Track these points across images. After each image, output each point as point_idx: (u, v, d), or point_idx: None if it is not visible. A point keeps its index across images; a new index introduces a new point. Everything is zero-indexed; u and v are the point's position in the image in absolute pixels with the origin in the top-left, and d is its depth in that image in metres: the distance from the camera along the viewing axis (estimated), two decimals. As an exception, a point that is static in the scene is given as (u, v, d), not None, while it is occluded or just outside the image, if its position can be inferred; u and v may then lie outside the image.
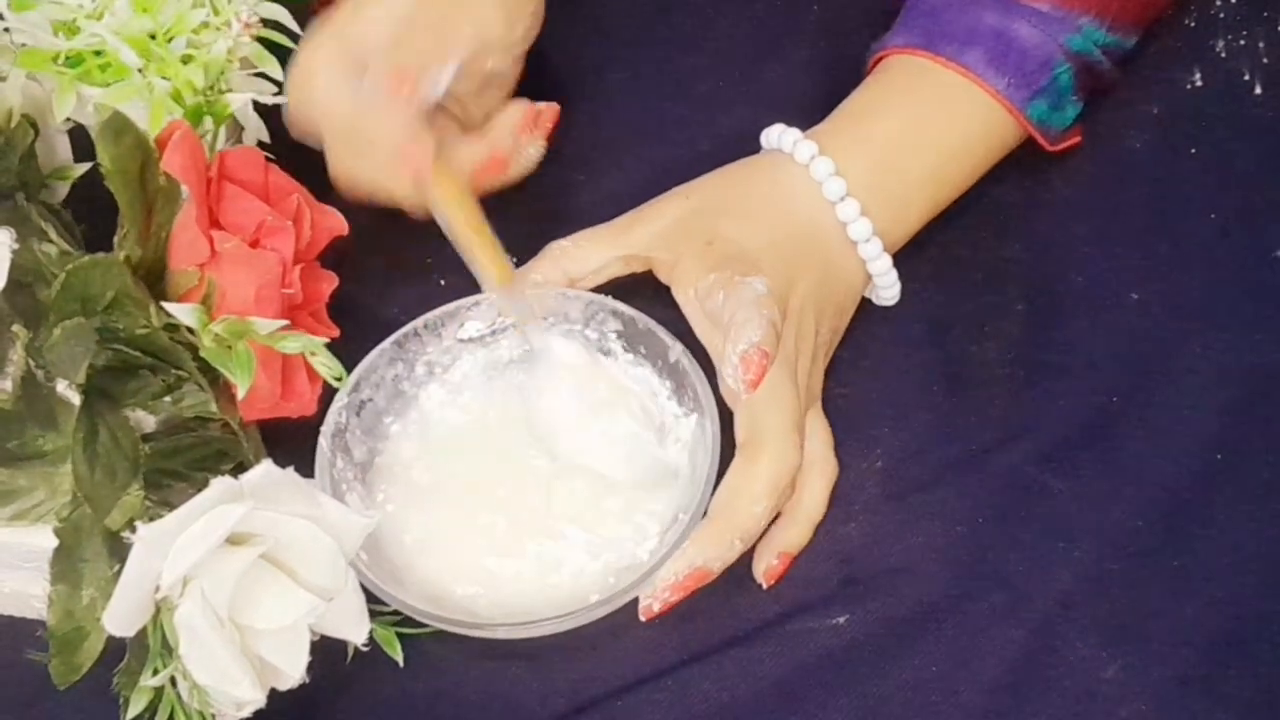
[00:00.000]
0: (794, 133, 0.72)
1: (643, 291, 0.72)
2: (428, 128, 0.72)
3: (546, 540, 0.67)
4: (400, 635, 0.65)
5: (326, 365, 0.64)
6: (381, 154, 0.72)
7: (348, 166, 0.73)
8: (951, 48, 0.73)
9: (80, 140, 0.73)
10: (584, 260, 0.72)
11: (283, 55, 0.74)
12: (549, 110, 0.78)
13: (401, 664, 0.65)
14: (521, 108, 0.78)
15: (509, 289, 0.71)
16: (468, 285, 0.73)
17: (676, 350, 0.70)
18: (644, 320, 0.71)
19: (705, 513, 0.65)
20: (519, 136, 0.77)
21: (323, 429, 0.68)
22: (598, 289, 0.72)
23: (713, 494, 0.66)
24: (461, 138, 0.76)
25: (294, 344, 0.63)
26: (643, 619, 0.64)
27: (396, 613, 0.65)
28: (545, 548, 0.67)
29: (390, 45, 0.72)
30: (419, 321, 0.72)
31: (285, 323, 0.64)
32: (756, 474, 0.65)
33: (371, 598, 0.63)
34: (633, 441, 0.69)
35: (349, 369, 0.68)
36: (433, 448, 0.71)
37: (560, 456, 0.69)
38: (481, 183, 0.75)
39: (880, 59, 0.76)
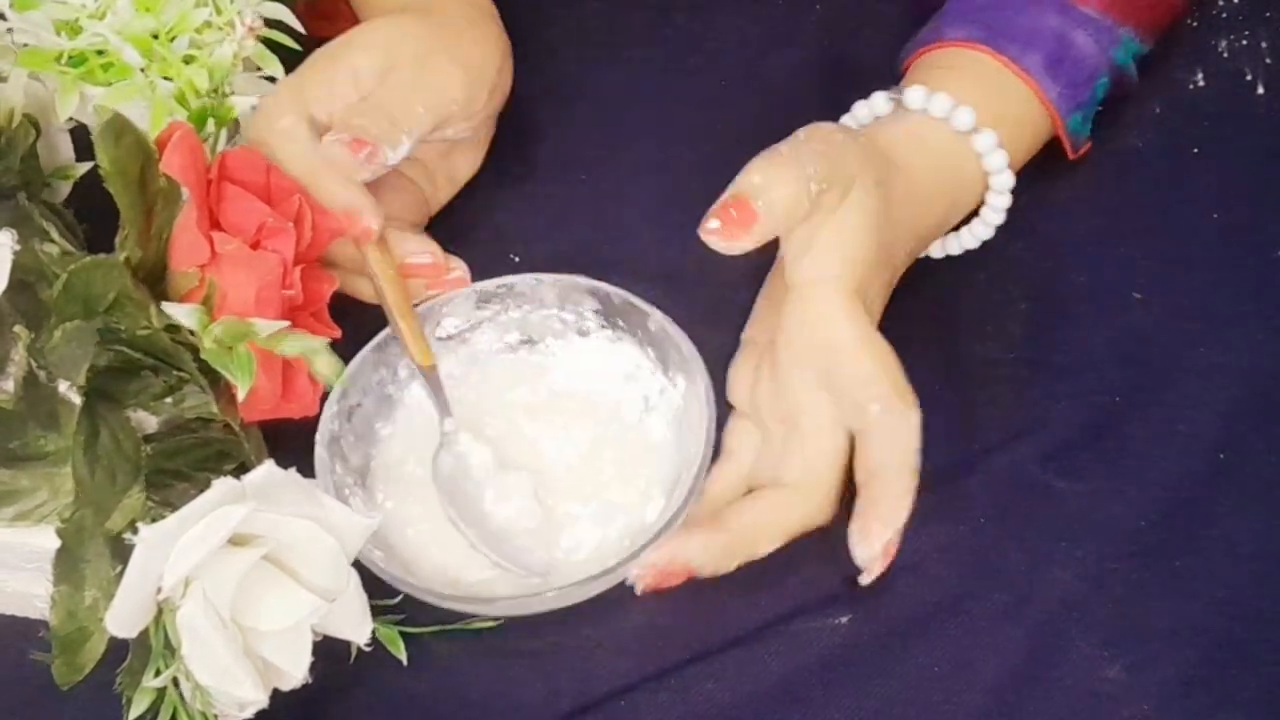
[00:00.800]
0: (946, 99, 0.70)
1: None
2: (376, 201, 0.70)
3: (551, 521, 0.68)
4: (403, 634, 0.64)
5: (327, 368, 0.64)
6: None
7: None
8: (1015, 47, 0.72)
9: (82, 140, 0.73)
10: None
11: (284, 55, 0.74)
12: (457, 279, 0.74)
13: (405, 663, 0.65)
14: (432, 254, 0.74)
15: (428, 370, 0.70)
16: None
17: (656, 318, 0.70)
18: (619, 294, 0.71)
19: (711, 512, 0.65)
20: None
21: (318, 437, 0.68)
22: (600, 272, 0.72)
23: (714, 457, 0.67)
24: (408, 233, 0.74)
25: (294, 346, 0.63)
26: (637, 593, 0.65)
27: (400, 611, 0.65)
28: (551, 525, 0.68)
29: (351, 111, 0.71)
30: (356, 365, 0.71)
31: (286, 324, 0.63)
32: (790, 518, 0.65)
33: (375, 594, 0.63)
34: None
35: (350, 369, 0.68)
36: (420, 444, 0.71)
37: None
38: (410, 277, 0.73)
39: (926, 52, 0.75)
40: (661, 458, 0.69)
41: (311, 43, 0.75)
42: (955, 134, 0.71)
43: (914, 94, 0.71)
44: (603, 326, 0.72)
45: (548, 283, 0.72)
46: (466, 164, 0.78)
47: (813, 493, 0.66)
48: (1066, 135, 0.74)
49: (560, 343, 0.73)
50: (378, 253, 0.71)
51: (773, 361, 0.67)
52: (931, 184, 0.70)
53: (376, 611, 0.63)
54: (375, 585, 0.64)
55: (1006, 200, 0.72)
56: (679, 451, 0.69)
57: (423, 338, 0.70)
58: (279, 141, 0.70)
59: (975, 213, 0.73)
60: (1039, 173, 0.77)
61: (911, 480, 0.65)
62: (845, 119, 0.74)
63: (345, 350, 0.68)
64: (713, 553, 0.65)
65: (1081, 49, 0.73)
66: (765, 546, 0.66)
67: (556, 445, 0.70)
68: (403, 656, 0.65)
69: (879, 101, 0.72)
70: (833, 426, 0.66)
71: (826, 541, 0.68)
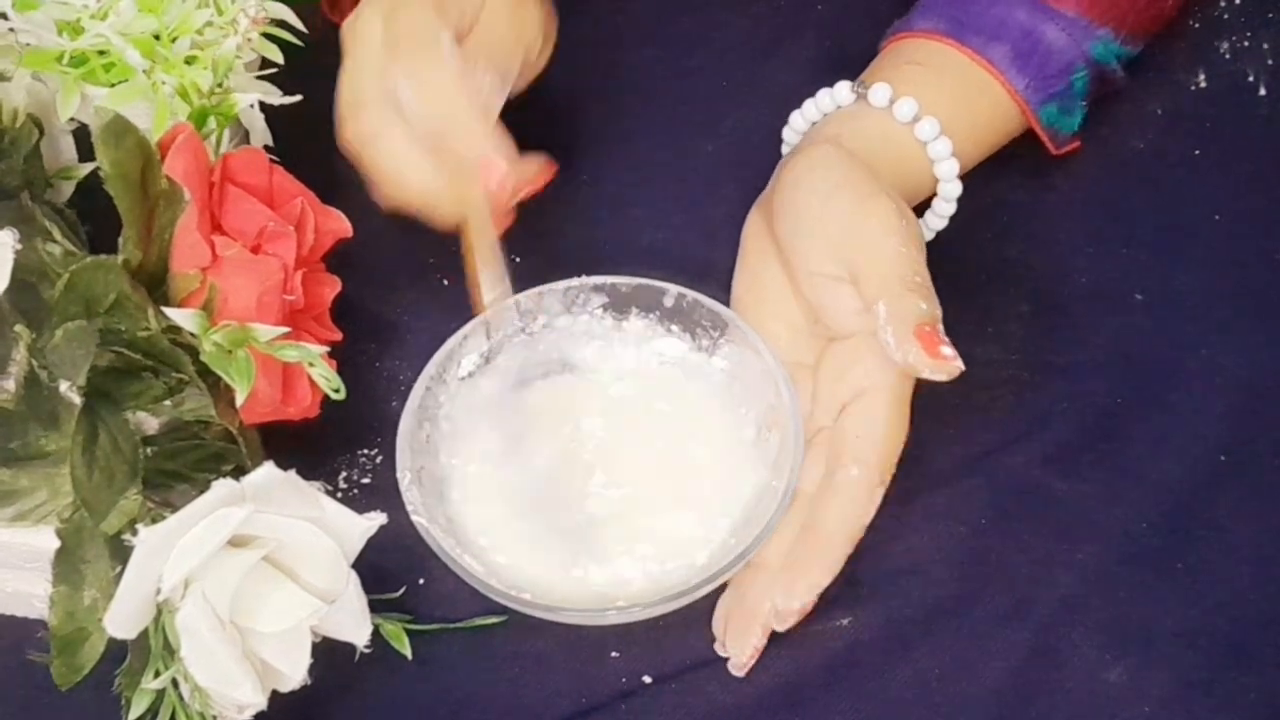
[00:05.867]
0: (913, 103, 0.71)
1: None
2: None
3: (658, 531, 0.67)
4: (405, 632, 0.65)
5: (324, 376, 0.63)
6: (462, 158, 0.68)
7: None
8: (979, 39, 0.73)
9: (85, 140, 0.72)
10: None
11: (287, 52, 0.73)
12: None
13: (410, 658, 0.65)
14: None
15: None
16: (469, 286, 0.73)
17: (671, 293, 0.70)
18: (626, 281, 0.71)
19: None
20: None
21: (408, 508, 0.65)
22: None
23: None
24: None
25: (293, 353, 0.63)
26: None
27: (402, 610, 0.65)
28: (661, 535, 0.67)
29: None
30: (425, 377, 0.69)
31: (285, 330, 0.63)
32: (841, 541, 0.65)
33: (376, 592, 0.63)
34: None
35: (350, 371, 0.67)
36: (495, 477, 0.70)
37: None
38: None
39: (896, 39, 0.75)
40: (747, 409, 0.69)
41: (317, 40, 0.75)
42: (916, 140, 0.71)
43: (879, 92, 0.72)
44: (615, 319, 0.72)
45: (547, 292, 0.71)
46: None
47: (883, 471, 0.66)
48: (1041, 128, 0.75)
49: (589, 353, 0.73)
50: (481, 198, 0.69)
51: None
52: (896, 187, 0.70)
53: (379, 608, 0.63)
54: (376, 585, 0.64)
55: (952, 208, 0.73)
56: (750, 402, 0.69)
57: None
58: (426, 62, 0.67)
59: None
60: (1038, 174, 0.77)
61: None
62: (808, 104, 0.75)
63: (347, 352, 0.68)
64: (831, 569, 0.64)
65: (1052, 41, 0.73)
66: (835, 566, 0.65)
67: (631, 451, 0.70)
68: (408, 652, 0.65)
69: (842, 92, 0.73)
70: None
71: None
